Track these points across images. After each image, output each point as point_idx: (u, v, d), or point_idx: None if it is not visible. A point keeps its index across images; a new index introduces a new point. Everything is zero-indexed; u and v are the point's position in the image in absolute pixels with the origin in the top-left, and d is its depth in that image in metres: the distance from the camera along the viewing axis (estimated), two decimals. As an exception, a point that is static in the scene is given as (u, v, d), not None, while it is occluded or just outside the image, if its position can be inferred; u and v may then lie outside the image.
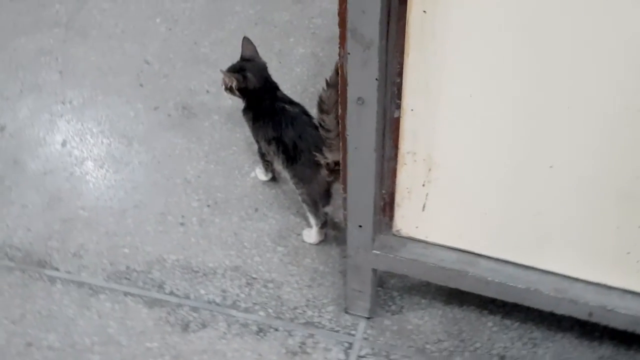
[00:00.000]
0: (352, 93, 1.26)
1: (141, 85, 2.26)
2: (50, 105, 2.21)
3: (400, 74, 1.27)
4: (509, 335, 1.64)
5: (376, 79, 1.22)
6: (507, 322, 1.66)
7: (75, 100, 2.22)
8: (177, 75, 2.29)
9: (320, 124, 1.54)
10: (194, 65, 2.32)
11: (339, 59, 1.27)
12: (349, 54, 1.20)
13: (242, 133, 2.10)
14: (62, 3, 2.54)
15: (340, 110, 1.35)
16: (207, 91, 2.23)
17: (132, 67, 2.32)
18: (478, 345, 1.62)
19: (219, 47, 2.38)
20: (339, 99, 1.33)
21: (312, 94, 2.20)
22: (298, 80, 2.24)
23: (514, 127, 1.27)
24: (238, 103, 2.07)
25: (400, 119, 1.33)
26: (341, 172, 1.46)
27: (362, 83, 1.23)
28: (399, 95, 1.30)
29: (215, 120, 2.15)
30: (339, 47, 1.25)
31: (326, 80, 1.52)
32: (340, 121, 1.37)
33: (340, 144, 1.41)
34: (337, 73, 1.51)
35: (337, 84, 1.52)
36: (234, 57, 1.98)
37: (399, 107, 1.31)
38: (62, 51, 2.38)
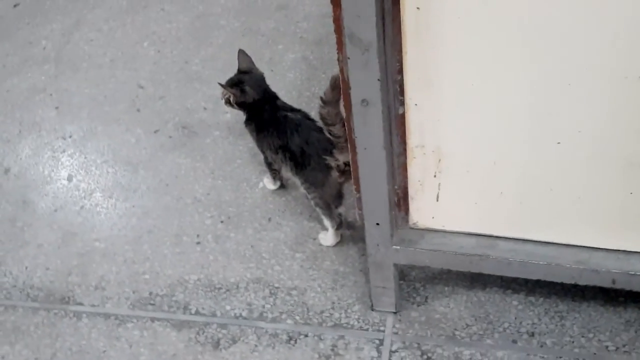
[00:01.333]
0: (355, 96, 1.28)
1: (138, 110, 2.27)
2: (51, 142, 2.22)
3: (400, 72, 1.28)
4: (536, 312, 1.66)
5: (378, 80, 1.23)
6: (532, 299, 1.68)
7: (75, 134, 2.23)
8: (173, 96, 2.30)
9: (330, 133, 1.56)
10: (187, 84, 2.33)
11: (339, 63, 1.28)
12: (348, 58, 1.22)
13: (244, 145, 2.11)
14: (48, 39, 2.55)
15: (345, 114, 1.37)
16: (205, 108, 2.25)
17: (126, 93, 2.33)
18: (506, 325, 1.65)
19: (209, 63, 2.39)
20: (343, 102, 1.35)
21: (308, 97, 2.22)
22: (292, 86, 2.26)
23: (518, 109, 1.28)
24: (236, 116, 2.09)
25: (405, 114, 1.35)
26: (352, 173, 1.48)
27: (365, 85, 1.25)
28: (401, 92, 1.31)
29: (217, 136, 2.16)
30: (337, 52, 1.27)
31: (321, 98, 1.54)
32: (346, 124, 1.38)
33: (349, 145, 1.42)
34: (333, 89, 1.53)
35: (332, 100, 1.55)
36: (226, 72, 2.00)
37: (402, 103, 1.33)
38: (55, 87, 2.39)
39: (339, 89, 1.53)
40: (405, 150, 1.41)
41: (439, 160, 1.41)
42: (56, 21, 2.63)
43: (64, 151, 2.19)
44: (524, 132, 1.32)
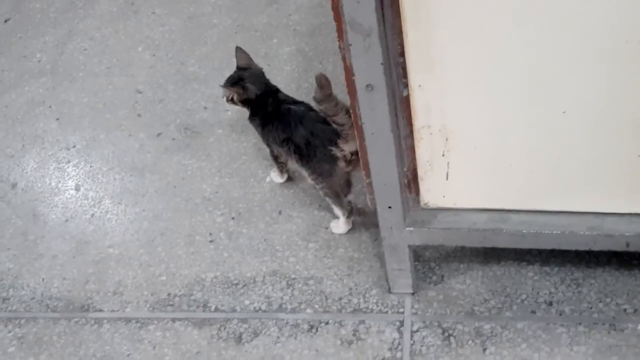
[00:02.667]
0: (360, 81, 1.29)
1: (139, 115, 2.28)
2: (55, 153, 2.23)
3: (402, 54, 1.29)
4: (552, 281, 1.68)
5: (381, 64, 1.25)
6: (547, 268, 1.70)
7: (79, 144, 2.24)
8: (172, 98, 2.31)
9: (333, 122, 1.58)
10: (185, 85, 2.34)
11: (340, 51, 1.29)
12: (350, 44, 1.23)
13: (248, 141, 2.12)
14: (42, 51, 2.56)
15: (349, 101, 1.38)
16: (205, 107, 2.26)
17: (126, 99, 2.34)
18: (524, 296, 1.66)
19: (205, 62, 2.40)
20: (347, 89, 1.36)
21: (307, 89, 2.23)
22: (291, 79, 2.27)
23: (522, 81, 1.30)
24: (238, 113, 2.10)
25: (410, 96, 1.36)
26: (360, 159, 1.49)
27: (368, 70, 1.26)
28: (404, 74, 1.33)
29: (220, 134, 2.17)
30: (338, 41, 1.28)
31: (314, 98, 1.57)
32: (351, 111, 1.40)
33: (355, 132, 1.44)
34: (320, 87, 1.55)
35: (324, 96, 1.56)
36: (223, 70, 2.01)
37: (406, 85, 1.34)
38: (53, 98, 2.39)
39: (326, 85, 1.57)
40: (411, 132, 1.43)
41: (446, 139, 1.42)
42: (48, 33, 2.63)
43: (69, 162, 2.20)
44: (529, 105, 1.33)
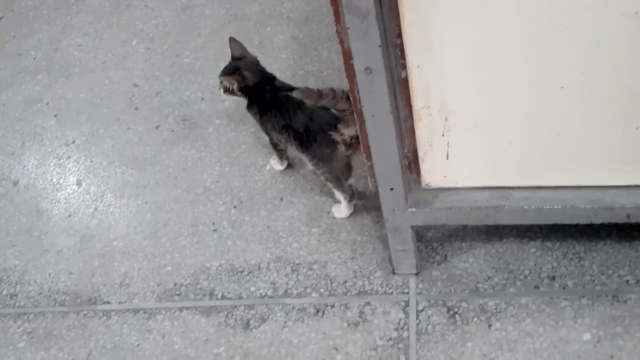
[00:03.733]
0: (358, 65, 1.30)
1: (136, 108, 2.29)
2: (55, 149, 2.24)
3: (400, 36, 1.30)
4: (554, 256, 1.69)
5: (379, 46, 1.26)
6: (549, 244, 1.72)
7: (78, 139, 2.25)
8: (169, 91, 2.31)
9: (335, 110, 1.59)
10: (182, 77, 2.34)
11: (337, 35, 1.30)
12: (348, 28, 1.24)
13: (246, 130, 2.13)
14: (37, 49, 2.56)
15: (348, 85, 1.39)
16: (202, 98, 2.27)
17: (122, 93, 2.34)
18: (527, 272, 1.68)
19: (200, 53, 2.41)
20: (345, 74, 1.37)
21: (303, 76, 2.24)
22: (286, 66, 2.28)
23: (519, 58, 1.31)
24: (235, 103, 2.11)
25: (408, 77, 1.37)
26: (361, 142, 1.50)
27: (367, 52, 1.27)
28: (402, 56, 1.34)
29: (218, 125, 2.18)
30: (335, 24, 1.28)
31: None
32: (350, 95, 1.41)
33: (355, 116, 1.45)
34: (308, 99, 1.59)
35: (315, 103, 1.60)
36: (218, 60, 2.01)
37: (404, 67, 1.35)
38: (50, 95, 2.40)
39: (310, 96, 1.60)
40: (411, 113, 1.44)
41: (446, 118, 1.44)
42: (42, 30, 2.63)
43: (69, 157, 2.21)
44: (528, 81, 1.34)
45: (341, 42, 1.31)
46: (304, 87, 1.59)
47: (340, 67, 2.29)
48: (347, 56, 1.31)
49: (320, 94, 1.58)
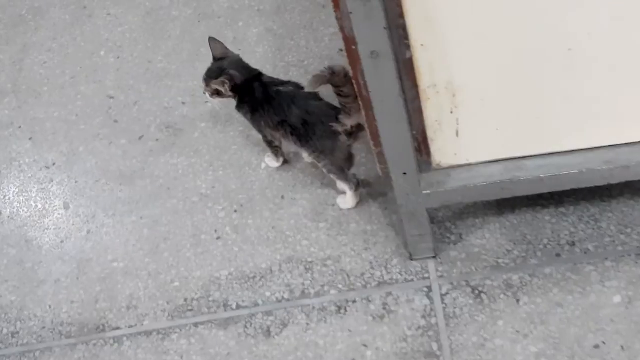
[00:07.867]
0: (363, 50, 1.24)
1: (116, 121, 2.19)
2: (35, 174, 2.14)
3: (401, 15, 1.25)
4: (570, 221, 1.67)
5: (385, 28, 1.20)
6: (563, 210, 1.69)
7: (58, 160, 2.15)
8: (147, 99, 2.22)
9: (339, 94, 1.52)
10: (158, 83, 2.25)
11: (338, 22, 1.24)
12: (351, 13, 1.18)
13: (235, 130, 2.06)
14: (0, 71, 2.44)
15: (352, 72, 1.33)
16: (183, 103, 2.18)
17: (98, 107, 2.24)
18: (545, 241, 1.65)
19: (173, 56, 2.32)
20: (349, 61, 1.31)
21: (284, 67, 2.17)
22: (265, 60, 2.20)
23: (524, 23, 1.26)
24: (218, 104, 2.03)
25: (413, 57, 1.32)
26: (368, 129, 1.44)
27: (372, 36, 1.21)
28: (405, 36, 1.28)
29: (204, 128, 2.10)
30: (335, 11, 1.22)
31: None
32: (355, 82, 1.35)
33: (361, 103, 1.39)
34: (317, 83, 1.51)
35: (321, 80, 1.52)
36: (193, 62, 1.92)
37: (408, 47, 1.30)
38: (22, 118, 2.29)
39: (318, 80, 1.52)
40: (418, 93, 1.39)
41: (453, 95, 1.39)
42: (2, 51, 2.51)
43: (51, 180, 2.11)
44: (534, 47, 1.30)
45: (341, 29, 1.25)
46: (311, 78, 1.51)
47: (321, 54, 2.24)
48: (350, 42, 1.25)
49: (332, 71, 1.50)
